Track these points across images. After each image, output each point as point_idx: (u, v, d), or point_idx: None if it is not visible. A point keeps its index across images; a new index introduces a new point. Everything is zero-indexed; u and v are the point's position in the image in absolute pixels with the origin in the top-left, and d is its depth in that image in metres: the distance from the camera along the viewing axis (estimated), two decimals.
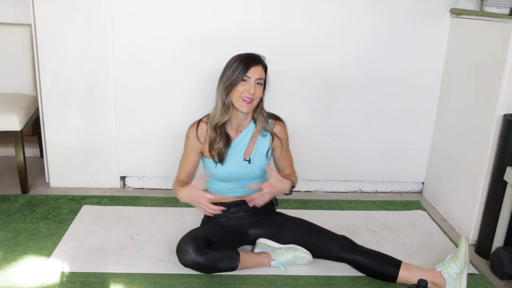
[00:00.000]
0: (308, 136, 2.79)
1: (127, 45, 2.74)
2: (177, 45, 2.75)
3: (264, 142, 2.24)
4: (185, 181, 2.27)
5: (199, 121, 2.22)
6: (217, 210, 2.14)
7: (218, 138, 2.16)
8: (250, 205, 2.21)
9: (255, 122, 2.23)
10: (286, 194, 2.24)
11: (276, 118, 2.28)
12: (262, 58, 2.14)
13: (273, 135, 2.25)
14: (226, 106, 2.13)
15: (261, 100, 2.19)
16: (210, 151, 2.18)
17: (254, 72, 2.08)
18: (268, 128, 2.23)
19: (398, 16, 2.78)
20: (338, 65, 2.83)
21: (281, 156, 2.31)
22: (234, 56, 2.13)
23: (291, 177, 2.30)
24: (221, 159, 2.18)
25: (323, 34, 2.78)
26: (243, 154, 2.21)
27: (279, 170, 2.36)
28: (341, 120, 2.94)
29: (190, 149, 2.23)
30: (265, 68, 2.13)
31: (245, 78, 2.08)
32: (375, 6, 2.76)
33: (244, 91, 2.07)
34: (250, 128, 2.23)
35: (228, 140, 2.18)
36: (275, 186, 2.17)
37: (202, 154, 2.24)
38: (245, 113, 2.15)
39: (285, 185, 2.19)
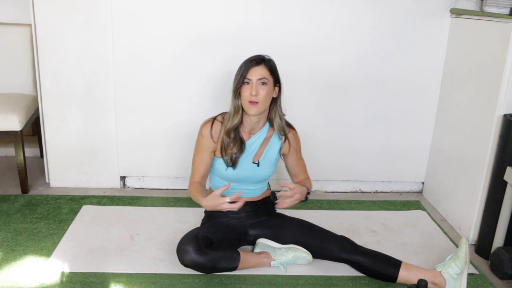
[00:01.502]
0: (307, 136, 2.79)
1: (127, 45, 2.74)
2: (177, 45, 2.75)
3: (276, 145, 2.24)
4: (201, 183, 2.24)
5: (214, 119, 2.21)
6: (238, 205, 2.07)
7: (232, 144, 2.15)
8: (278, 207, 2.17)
9: (270, 123, 2.22)
10: (302, 201, 2.21)
11: (289, 126, 2.28)
12: (267, 57, 2.13)
13: (285, 139, 2.25)
14: (236, 109, 2.13)
15: (275, 100, 2.17)
16: (222, 153, 2.18)
17: (254, 73, 2.07)
18: (285, 130, 2.22)
19: (398, 16, 2.78)
20: (338, 65, 2.84)
21: (293, 163, 2.32)
22: (245, 59, 2.13)
23: (306, 183, 2.30)
24: (233, 163, 2.17)
25: (323, 34, 2.78)
26: (252, 157, 2.21)
27: (292, 175, 2.37)
28: (341, 120, 2.94)
29: (204, 147, 2.20)
30: (269, 68, 2.10)
31: (246, 81, 2.08)
32: (375, 6, 2.76)
33: (248, 94, 2.07)
34: (263, 132, 2.22)
35: (242, 146, 2.17)
36: (300, 191, 2.14)
37: (213, 153, 2.23)
38: (255, 116, 2.13)
39: (303, 192, 2.18)
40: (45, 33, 2.71)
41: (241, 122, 2.17)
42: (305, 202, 2.26)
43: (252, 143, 2.21)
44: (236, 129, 2.16)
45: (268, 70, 2.10)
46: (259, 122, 2.19)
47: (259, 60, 2.10)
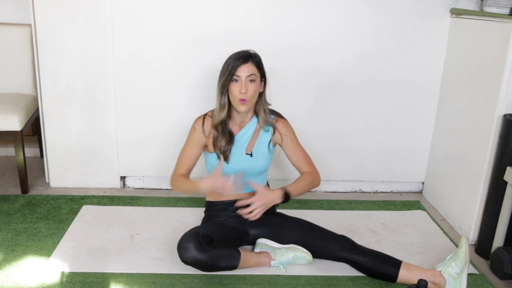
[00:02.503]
0: (308, 136, 2.78)
1: (127, 45, 2.74)
2: (177, 45, 2.75)
3: (266, 136, 2.25)
4: (186, 176, 2.25)
5: (205, 115, 2.24)
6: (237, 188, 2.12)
7: (220, 137, 2.17)
8: (244, 215, 2.15)
9: (257, 116, 2.23)
10: (282, 203, 2.19)
11: (278, 115, 2.30)
12: (253, 53, 2.14)
13: (274, 129, 2.26)
14: (222, 105, 2.16)
15: (261, 94, 2.19)
16: (214, 147, 2.20)
17: (243, 70, 2.08)
18: (269, 121, 2.24)
19: (398, 16, 2.78)
20: (338, 65, 2.84)
21: (291, 152, 2.30)
22: (229, 56, 2.14)
23: (300, 180, 2.26)
24: (225, 157, 2.18)
25: (323, 34, 2.78)
26: (245, 148, 2.22)
27: (296, 168, 2.33)
28: (341, 120, 2.94)
29: (195, 141, 2.22)
30: (256, 64, 2.12)
31: (235, 78, 2.09)
32: (375, 6, 2.76)
33: (237, 91, 2.09)
34: (252, 123, 2.24)
35: (231, 138, 2.19)
36: (264, 198, 2.13)
37: (205, 148, 2.24)
38: (244, 112, 2.16)
39: (274, 195, 2.15)
40: (45, 33, 2.71)
41: (229, 116, 2.19)
42: (285, 203, 2.20)
43: (243, 135, 2.22)
44: (224, 122, 2.18)
45: (256, 66, 2.12)
46: (247, 114, 2.22)
47: (247, 57, 2.11)
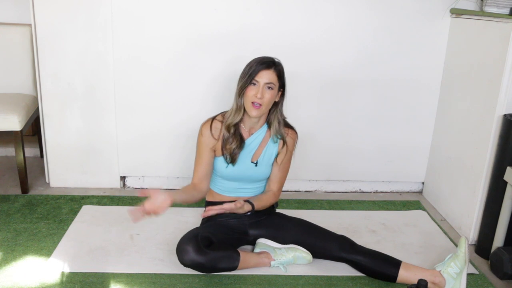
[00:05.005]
0: (308, 136, 2.79)
1: (127, 45, 2.74)
2: (177, 45, 2.75)
3: (273, 148, 2.24)
4: (195, 185, 2.23)
5: (213, 118, 2.23)
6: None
7: (231, 138, 2.16)
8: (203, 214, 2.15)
9: (268, 125, 2.23)
10: (245, 214, 2.18)
11: (290, 127, 2.28)
12: (277, 61, 2.13)
13: (283, 143, 2.24)
14: (239, 107, 2.14)
15: (277, 104, 2.18)
16: (222, 149, 2.19)
17: (263, 76, 2.07)
18: (282, 134, 2.22)
19: (398, 16, 2.78)
20: (338, 65, 2.83)
21: (278, 167, 2.27)
22: (253, 59, 2.13)
23: (263, 200, 2.24)
24: (233, 159, 2.18)
25: (323, 34, 2.78)
26: (251, 156, 2.22)
27: (268, 179, 2.31)
28: (341, 120, 2.94)
29: (204, 146, 2.21)
30: (278, 73, 2.11)
31: (254, 82, 2.08)
32: (375, 6, 2.76)
33: (253, 95, 2.08)
34: (261, 131, 2.23)
35: (241, 142, 2.18)
36: (237, 208, 2.10)
37: (214, 151, 2.23)
38: (255, 117, 2.15)
39: (244, 209, 2.13)
40: (45, 33, 2.71)
41: (241, 120, 2.18)
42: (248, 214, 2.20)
43: (251, 142, 2.21)
44: (236, 125, 2.17)
45: (277, 75, 2.11)
46: (258, 122, 2.21)
47: (270, 64, 2.10)
